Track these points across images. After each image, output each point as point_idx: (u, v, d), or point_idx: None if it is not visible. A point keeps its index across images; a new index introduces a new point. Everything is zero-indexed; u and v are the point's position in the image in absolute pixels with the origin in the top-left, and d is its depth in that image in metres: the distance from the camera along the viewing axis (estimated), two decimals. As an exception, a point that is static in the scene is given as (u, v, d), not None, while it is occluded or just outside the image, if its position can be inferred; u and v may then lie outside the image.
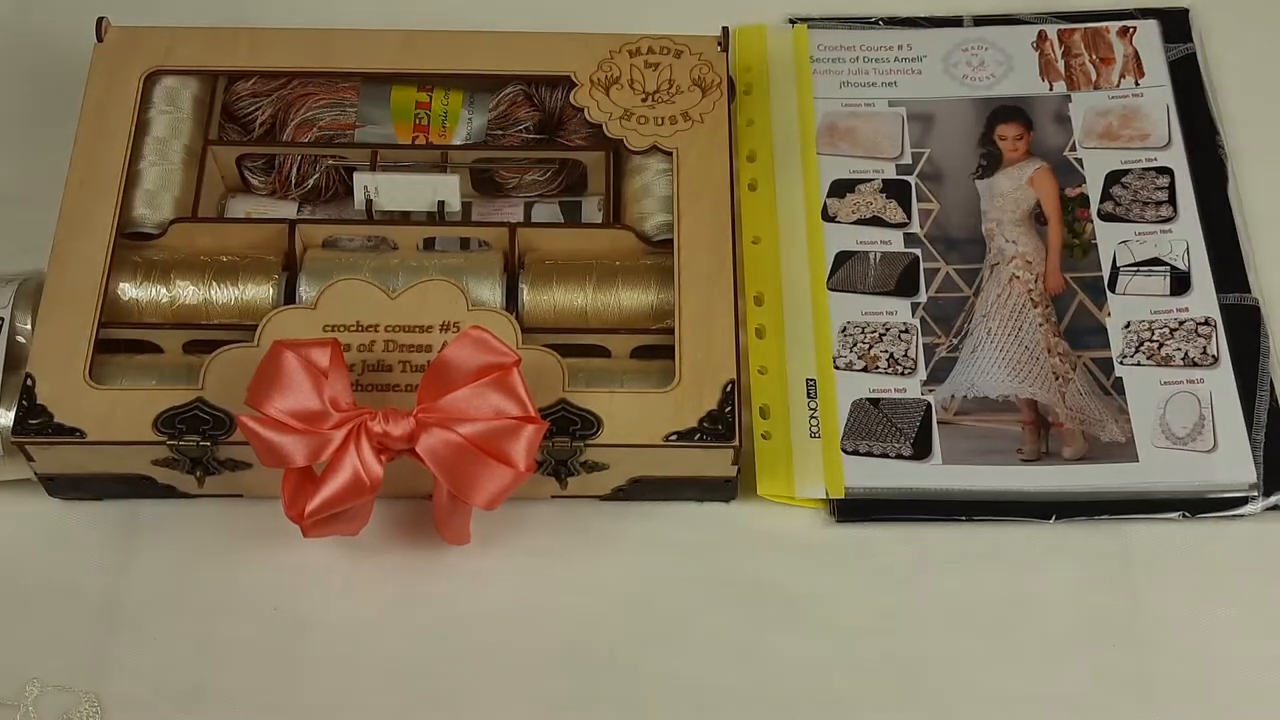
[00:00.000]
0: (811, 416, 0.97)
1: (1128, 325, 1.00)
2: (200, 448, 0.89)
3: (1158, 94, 1.09)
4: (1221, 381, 0.98)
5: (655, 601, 0.92)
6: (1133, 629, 0.91)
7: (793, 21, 1.13)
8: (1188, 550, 0.94)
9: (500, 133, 1.03)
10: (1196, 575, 0.93)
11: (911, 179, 1.06)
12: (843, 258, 1.03)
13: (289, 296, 0.95)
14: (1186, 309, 1.01)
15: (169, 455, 0.90)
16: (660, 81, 1.01)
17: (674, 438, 0.90)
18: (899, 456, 0.96)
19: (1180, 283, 1.01)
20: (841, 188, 1.06)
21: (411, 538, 0.94)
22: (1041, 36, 1.12)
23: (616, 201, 1.01)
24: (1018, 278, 1.02)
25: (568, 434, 0.89)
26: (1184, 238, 1.03)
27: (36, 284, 0.95)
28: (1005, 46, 1.12)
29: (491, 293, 0.95)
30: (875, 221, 1.05)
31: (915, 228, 1.05)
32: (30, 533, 0.94)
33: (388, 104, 1.04)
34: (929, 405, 0.98)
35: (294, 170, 1.02)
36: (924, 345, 1.00)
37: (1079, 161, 1.07)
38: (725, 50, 1.03)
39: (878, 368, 0.99)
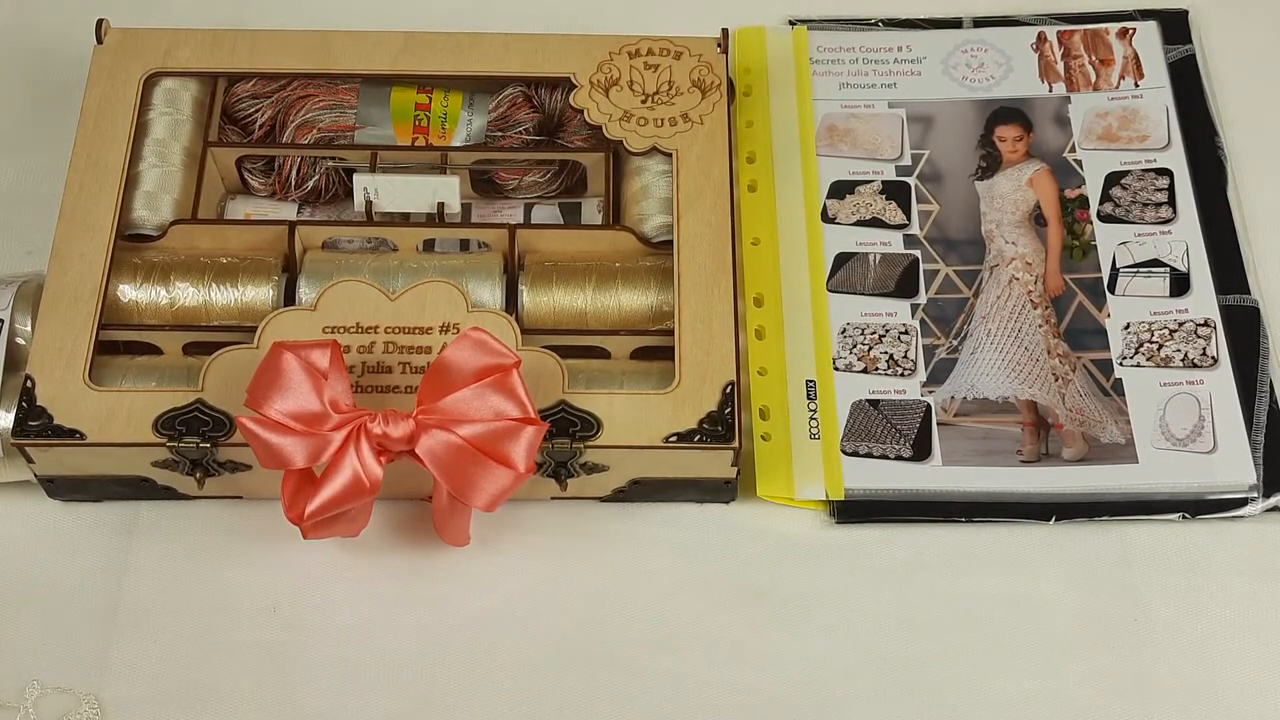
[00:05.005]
0: (811, 418, 0.97)
1: (1127, 326, 1.00)
2: (200, 449, 0.89)
3: (1157, 95, 1.09)
4: (1221, 383, 0.98)
5: (655, 603, 0.92)
6: (1132, 630, 0.91)
7: (792, 23, 1.13)
8: (1187, 551, 0.94)
9: (500, 134, 1.03)
10: (1196, 576, 0.93)
11: (911, 180, 1.06)
12: (842, 259, 1.03)
13: (289, 298, 0.95)
14: (1186, 310, 1.01)
15: (169, 457, 0.90)
16: (660, 83, 1.01)
17: (674, 439, 0.90)
18: (899, 458, 0.96)
19: (1180, 284, 1.01)
20: (841, 189, 1.06)
21: (411, 539, 0.94)
22: (1041, 38, 1.12)
23: (616, 203, 1.01)
24: (1017, 279, 1.02)
25: (567, 435, 0.89)
26: (1183, 239, 1.03)
27: (36, 285, 0.95)
28: (1005, 48, 1.12)
29: (491, 294, 0.95)
30: (875, 223, 1.05)
31: (915, 229, 1.05)
32: (30, 534, 0.94)
33: (387, 105, 1.04)
34: (929, 406, 0.98)
35: (294, 172, 1.03)
36: (924, 346, 1.00)
37: (1078, 163, 1.07)
38: (725, 52, 1.03)
39: (877, 369, 0.99)
